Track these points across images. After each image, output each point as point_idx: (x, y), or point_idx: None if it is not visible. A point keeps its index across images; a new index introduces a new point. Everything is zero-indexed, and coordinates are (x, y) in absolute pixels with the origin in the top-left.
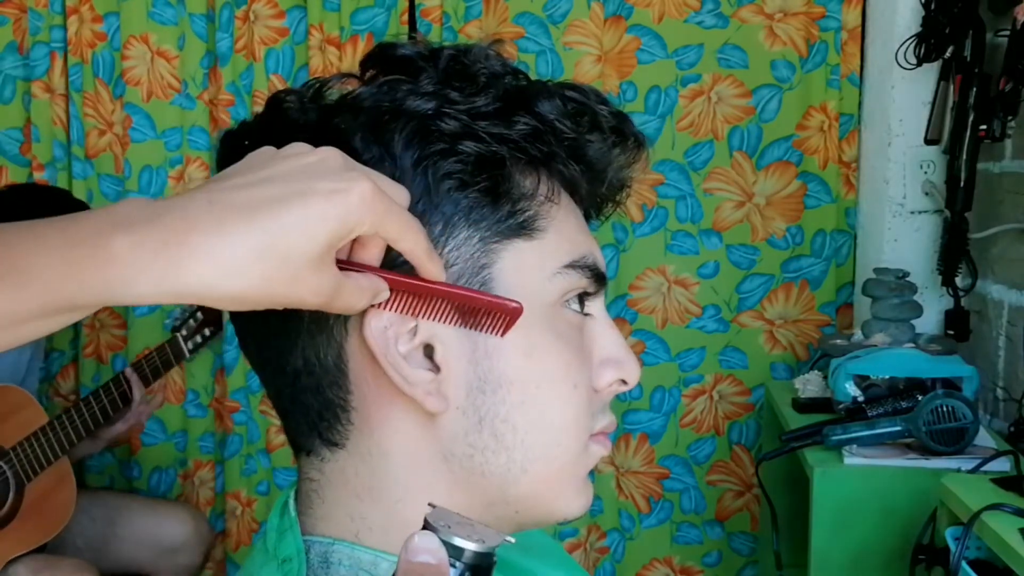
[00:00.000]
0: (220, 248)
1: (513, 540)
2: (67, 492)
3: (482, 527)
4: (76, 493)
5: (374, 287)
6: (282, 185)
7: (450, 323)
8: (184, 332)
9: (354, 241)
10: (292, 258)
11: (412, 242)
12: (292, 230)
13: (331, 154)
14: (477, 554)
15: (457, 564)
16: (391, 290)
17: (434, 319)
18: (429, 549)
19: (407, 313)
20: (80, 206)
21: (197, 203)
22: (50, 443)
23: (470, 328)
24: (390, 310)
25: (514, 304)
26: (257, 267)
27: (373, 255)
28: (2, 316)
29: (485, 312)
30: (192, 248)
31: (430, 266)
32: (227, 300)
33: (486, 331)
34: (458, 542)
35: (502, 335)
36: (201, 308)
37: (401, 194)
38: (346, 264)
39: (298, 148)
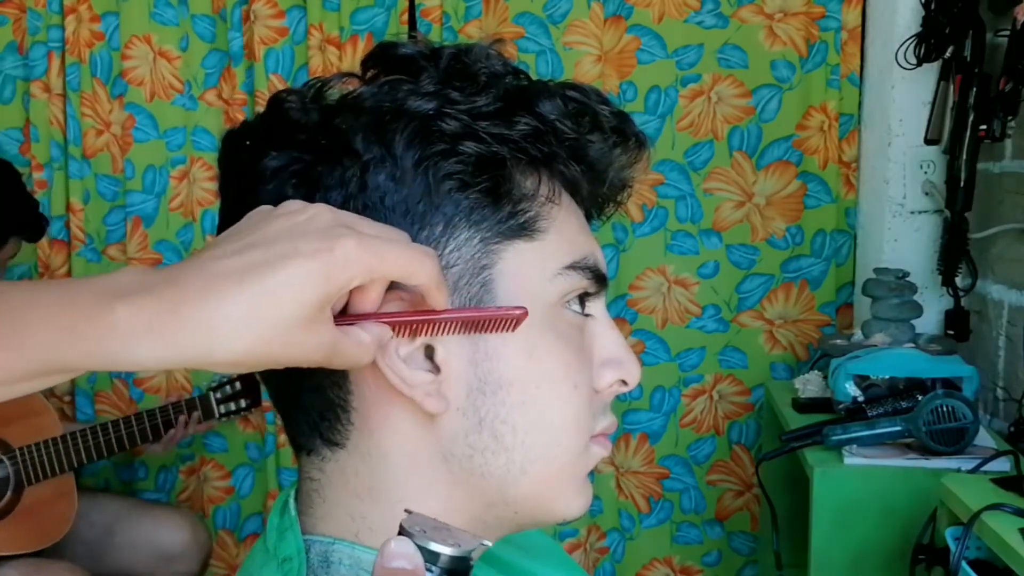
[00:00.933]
0: (210, 317)
1: (490, 544)
2: (66, 508)
3: (459, 531)
4: (75, 512)
5: (378, 336)
6: (267, 249)
7: (456, 334)
8: (219, 395)
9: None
10: (282, 321)
11: (420, 277)
12: (278, 294)
13: (320, 211)
14: (452, 558)
15: (433, 568)
16: (395, 327)
17: (441, 335)
18: (405, 554)
19: (413, 336)
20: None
21: (188, 273)
22: (59, 454)
23: (477, 333)
24: (397, 337)
25: (518, 311)
26: (248, 333)
27: (372, 299)
28: None
29: (490, 322)
30: (184, 318)
31: (437, 295)
32: (224, 365)
33: (493, 332)
34: (433, 547)
35: (512, 330)
36: (239, 377)
37: (395, 234)
38: (343, 320)
39: (290, 207)
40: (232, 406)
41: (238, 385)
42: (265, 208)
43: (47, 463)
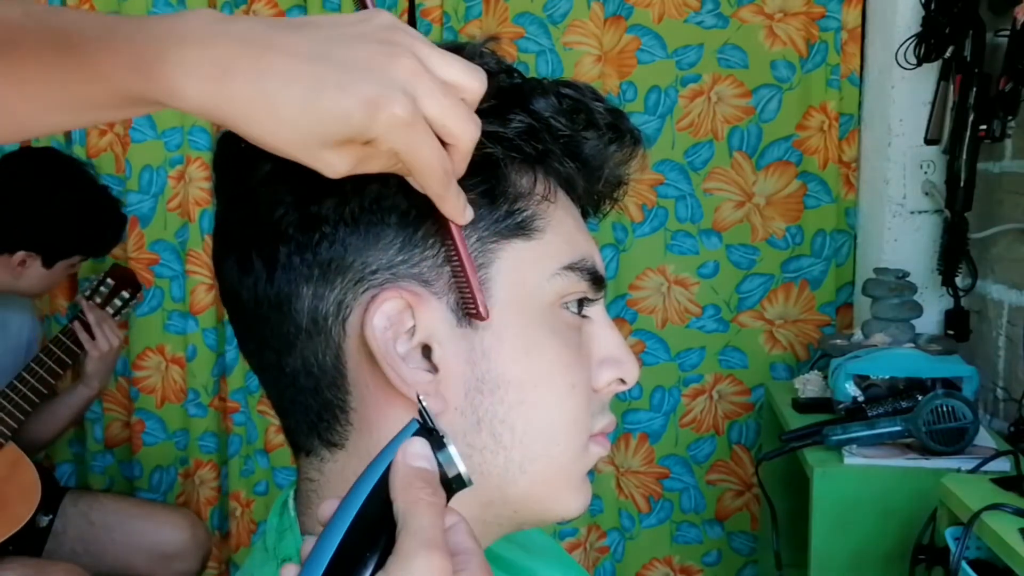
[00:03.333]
0: (251, 95)
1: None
2: (26, 475)
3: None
4: (36, 474)
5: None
6: (332, 68)
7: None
8: (97, 299)
9: None
10: (314, 132)
11: (425, 181)
12: (319, 113)
13: (406, 62)
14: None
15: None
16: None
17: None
18: (426, 455)
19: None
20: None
21: (251, 42)
22: None
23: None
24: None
25: (481, 312)
26: (289, 127)
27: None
28: (80, 100)
29: (466, 286)
30: (228, 84)
31: (446, 204)
32: (256, 139)
33: (465, 313)
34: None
35: (475, 316)
36: (111, 274)
37: (461, 124)
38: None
39: (384, 33)
40: (117, 302)
41: (110, 281)
42: (361, 18)
43: None
